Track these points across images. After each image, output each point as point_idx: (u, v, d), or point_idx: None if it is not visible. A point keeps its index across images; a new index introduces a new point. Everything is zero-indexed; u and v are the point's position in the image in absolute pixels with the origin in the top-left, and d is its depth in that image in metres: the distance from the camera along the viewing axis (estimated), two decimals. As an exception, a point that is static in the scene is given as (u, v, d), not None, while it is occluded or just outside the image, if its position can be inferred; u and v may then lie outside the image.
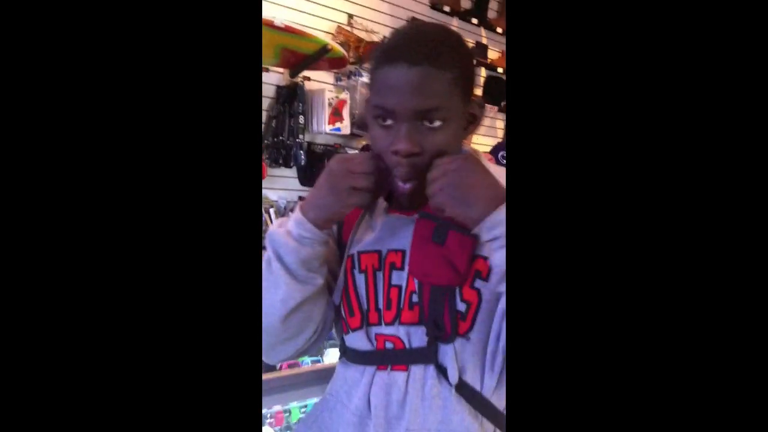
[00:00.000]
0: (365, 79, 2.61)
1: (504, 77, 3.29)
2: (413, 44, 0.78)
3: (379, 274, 0.87)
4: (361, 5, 2.69)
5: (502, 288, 0.77)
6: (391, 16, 2.82)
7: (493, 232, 0.74)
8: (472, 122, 0.85)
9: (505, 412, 0.83)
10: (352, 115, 2.56)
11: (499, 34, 3.20)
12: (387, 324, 0.86)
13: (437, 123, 0.78)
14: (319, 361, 2.12)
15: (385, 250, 0.87)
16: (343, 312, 0.89)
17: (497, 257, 0.75)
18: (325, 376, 1.78)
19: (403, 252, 0.85)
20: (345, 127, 2.52)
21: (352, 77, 2.63)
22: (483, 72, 3.15)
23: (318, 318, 0.87)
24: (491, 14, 3.26)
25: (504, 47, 3.30)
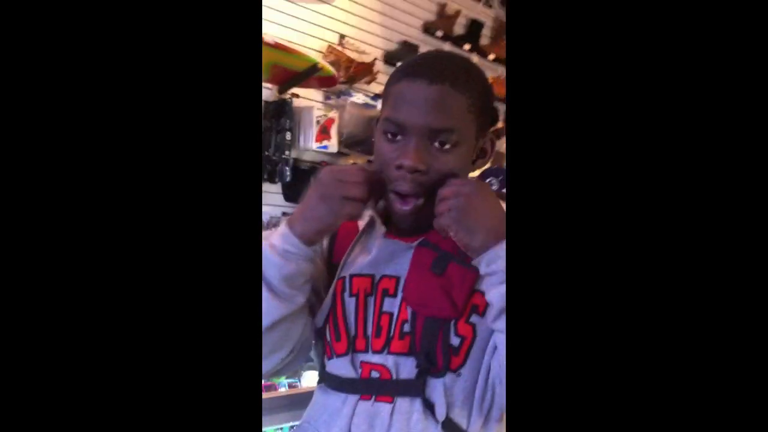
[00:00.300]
0: (355, 98, 2.60)
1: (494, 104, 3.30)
2: (436, 63, 0.77)
3: (371, 300, 0.83)
4: (353, 26, 2.69)
5: (497, 326, 0.73)
6: (383, 38, 2.82)
7: (492, 267, 0.71)
8: (481, 156, 0.83)
9: None
10: (339, 134, 2.54)
11: (491, 61, 3.22)
12: (375, 352, 0.81)
13: (447, 146, 0.76)
14: (296, 384, 2.07)
15: (378, 275, 0.83)
16: (328, 336, 0.85)
17: (494, 293, 0.72)
18: (301, 400, 1.72)
19: (398, 279, 0.82)
20: (332, 145, 2.50)
21: (342, 96, 2.61)
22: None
23: (295, 338, 0.82)
24: (484, 40, 3.28)
25: (496, 74, 3.31)
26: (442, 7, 3.03)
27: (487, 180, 2.73)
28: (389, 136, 0.77)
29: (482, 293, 0.76)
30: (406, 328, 0.79)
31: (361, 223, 0.87)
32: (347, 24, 2.66)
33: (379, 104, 2.62)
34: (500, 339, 0.73)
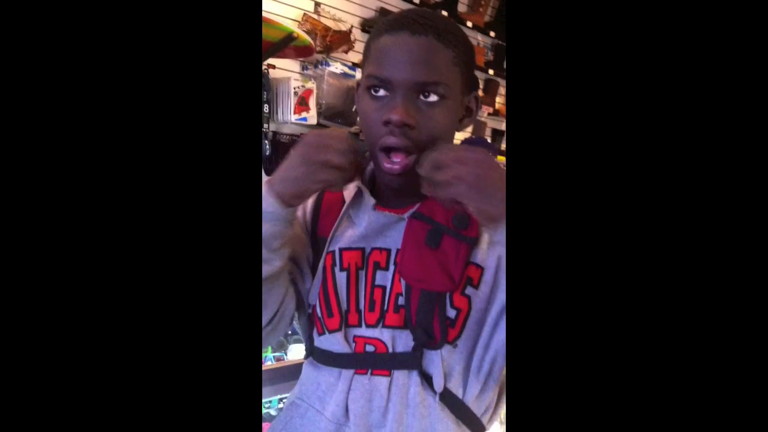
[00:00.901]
0: (332, 68, 2.54)
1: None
2: (418, 17, 0.73)
3: (362, 274, 0.81)
4: (329, -7, 2.61)
5: (497, 294, 0.72)
6: (360, 5, 2.75)
7: (504, 234, 0.68)
8: (466, 115, 0.80)
9: (482, 419, 0.82)
10: (318, 105, 2.49)
11: (469, 28, 3.17)
12: (369, 326, 0.80)
13: (435, 98, 0.72)
14: (282, 358, 2.06)
15: (369, 248, 0.81)
16: (319, 311, 0.82)
17: (494, 259, 0.71)
18: (288, 373, 1.71)
19: (389, 251, 0.80)
20: (311, 117, 2.45)
21: (319, 66, 2.55)
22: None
23: (273, 306, 0.79)
24: (461, 8, 3.23)
25: (475, 42, 3.27)
26: (419, -27, 2.97)
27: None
28: (373, 92, 0.74)
29: (476, 266, 0.76)
30: (401, 301, 0.78)
31: (348, 195, 0.84)
32: (323, -9, 2.59)
33: (358, 74, 2.57)
34: (501, 249, 0.70)
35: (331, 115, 2.54)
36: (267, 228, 0.72)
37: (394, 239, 0.80)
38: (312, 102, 2.45)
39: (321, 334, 0.83)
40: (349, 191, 0.84)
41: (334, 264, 0.82)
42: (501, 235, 0.67)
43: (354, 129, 2.68)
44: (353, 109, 2.56)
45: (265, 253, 0.74)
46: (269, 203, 0.72)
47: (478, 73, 3.38)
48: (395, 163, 0.73)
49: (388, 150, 0.73)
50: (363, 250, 0.81)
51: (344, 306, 0.81)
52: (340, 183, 0.74)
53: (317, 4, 2.57)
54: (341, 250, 0.82)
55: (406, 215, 0.79)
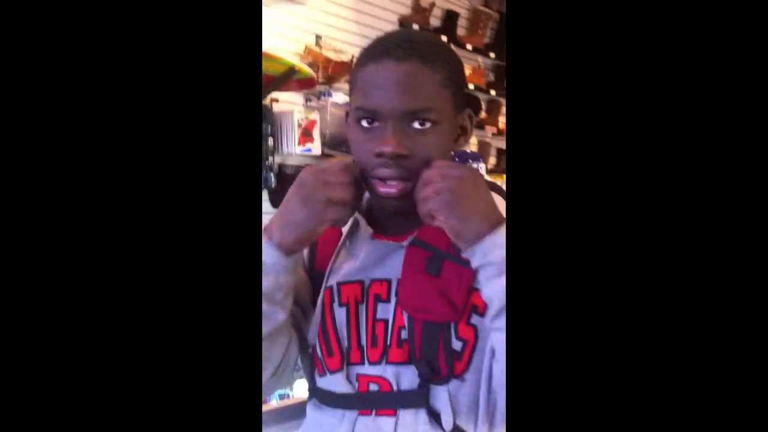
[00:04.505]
0: (335, 99, 2.58)
1: (475, 94, 3.29)
2: (401, 41, 0.71)
3: (362, 307, 0.77)
4: (328, 25, 2.66)
5: (496, 324, 0.68)
6: (360, 35, 2.79)
7: (489, 258, 0.66)
8: (461, 134, 0.78)
9: None
10: (322, 135, 2.52)
11: (469, 51, 3.20)
12: (372, 363, 0.76)
13: (427, 125, 0.70)
14: (287, 395, 2.02)
15: (368, 280, 0.77)
16: (319, 351, 0.79)
17: (491, 288, 0.67)
18: (294, 411, 1.68)
19: (389, 281, 0.76)
20: (316, 147, 2.48)
21: (322, 97, 2.59)
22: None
23: (277, 358, 0.77)
24: (460, 31, 3.27)
25: (476, 64, 3.30)
26: (416, 0, 3.01)
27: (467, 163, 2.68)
28: (364, 124, 0.71)
29: (480, 291, 0.72)
30: (404, 334, 0.74)
31: (344, 225, 0.81)
32: (322, 24, 2.64)
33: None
34: (499, 340, 0.67)
35: (335, 144, 2.57)
36: (270, 281, 0.70)
37: (394, 269, 0.76)
38: (316, 132, 2.48)
39: (322, 375, 0.80)
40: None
41: (332, 300, 0.79)
42: (486, 256, 0.65)
43: (359, 157, 2.71)
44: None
45: (266, 308, 0.71)
46: (269, 254, 0.70)
47: (480, 94, 3.40)
48: (392, 186, 0.71)
49: (384, 179, 0.71)
50: (362, 282, 0.78)
51: (345, 344, 0.77)
52: (346, 218, 0.72)
53: (318, 37, 2.61)
54: (339, 284, 0.79)
55: (405, 242, 0.76)
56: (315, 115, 2.48)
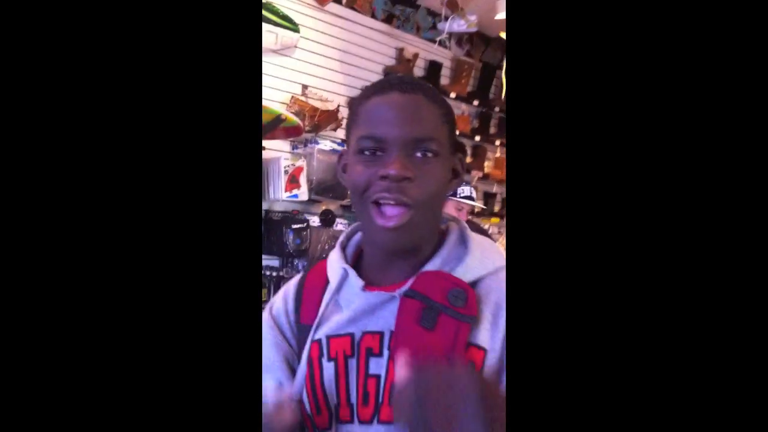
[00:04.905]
0: (321, 146, 2.63)
1: (461, 141, 3.37)
2: (404, 78, 0.75)
3: (352, 362, 0.73)
4: (314, 75, 2.74)
5: (504, 380, 0.66)
6: (345, 85, 2.87)
7: None
8: (453, 177, 0.78)
9: None
10: (309, 182, 2.55)
11: (453, 99, 3.29)
12: (363, 422, 0.71)
13: (429, 155, 0.71)
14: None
15: (359, 332, 0.73)
16: (308, 408, 0.75)
17: (499, 341, 0.66)
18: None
19: (381, 334, 0.72)
20: (302, 193, 2.51)
21: (309, 145, 2.64)
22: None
23: None
24: (444, 81, 3.36)
25: (459, 111, 3.38)
26: (400, 51, 3.11)
27: (461, 187, 2.68)
28: (367, 153, 0.71)
29: (477, 347, 0.69)
30: None
31: (333, 277, 0.79)
32: (309, 74, 2.71)
33: (346, 149, 2.64)
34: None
35: (322, 190, 2.60)
36: None
37: (386, 320, 0.72)
38: (303, 179, 2.52)
39: None
40: (334, 272, 0.79)
41: (321, 354, 0.75)
42: None
43: (345, 202, 2.74)
44: (342, 174, 2.62)
45: None
46: None
47: (465, 140, 3.48)
48: (389, 218, 0.70)
49: (381, 204, 0.70)
50: (352, 335, 0.74)
51: (334, 400, 0.73)
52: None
53: (304, 87, 2.69)
54: (328, 337, 0.75)
55: (398, 293, 0.72)
56: (302, 162, 2.52)
